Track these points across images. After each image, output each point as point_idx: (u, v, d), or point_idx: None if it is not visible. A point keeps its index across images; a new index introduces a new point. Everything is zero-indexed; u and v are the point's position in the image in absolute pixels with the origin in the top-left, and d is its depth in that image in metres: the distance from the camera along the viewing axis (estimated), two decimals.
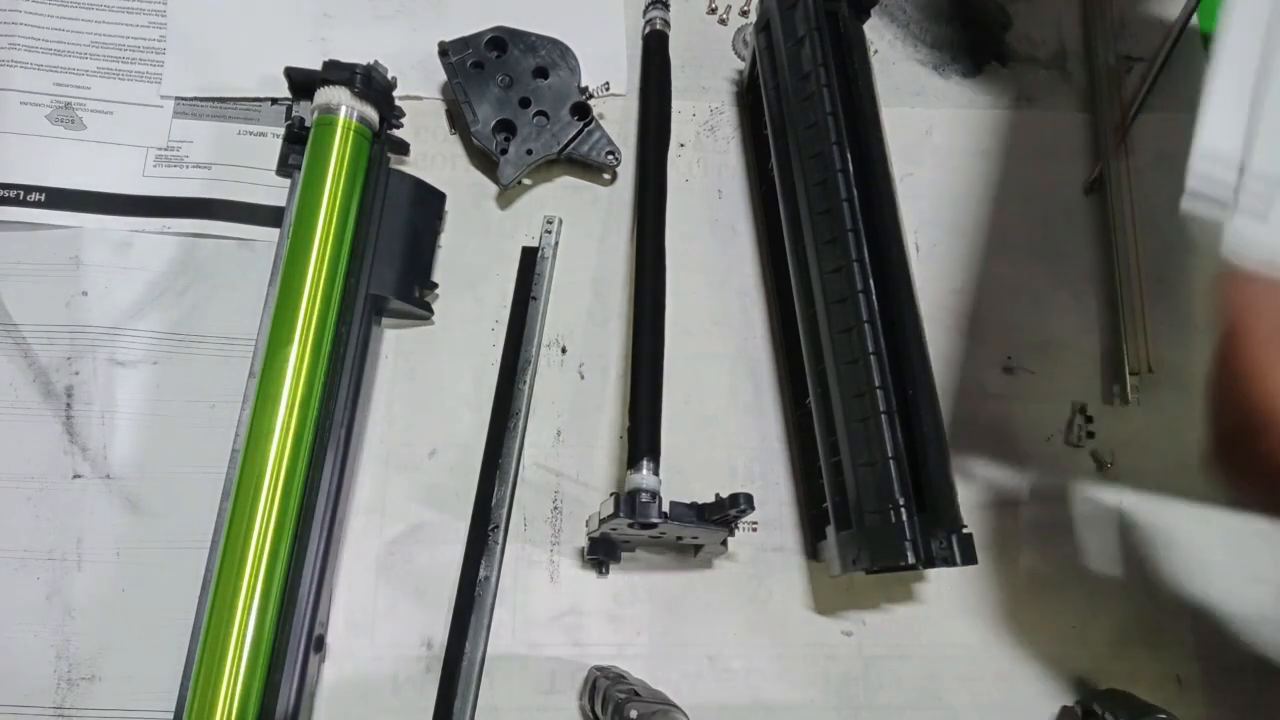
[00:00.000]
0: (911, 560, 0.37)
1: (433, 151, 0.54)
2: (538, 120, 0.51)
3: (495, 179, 0.51)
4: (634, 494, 0.39)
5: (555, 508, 0.47)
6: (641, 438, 0.41)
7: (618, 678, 0.41)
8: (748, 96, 0.56)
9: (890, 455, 0.39)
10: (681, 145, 0.55)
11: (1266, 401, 0.28)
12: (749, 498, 0.38)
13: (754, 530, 0.47)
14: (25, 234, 0.49)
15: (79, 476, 0.45)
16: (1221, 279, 0.31)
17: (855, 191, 0.43)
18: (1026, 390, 0.51)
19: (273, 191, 0.51)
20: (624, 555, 0.45)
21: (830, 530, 0.43)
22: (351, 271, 0.45)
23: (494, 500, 0.46)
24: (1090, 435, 0.50)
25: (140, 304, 0.48)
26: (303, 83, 0.47)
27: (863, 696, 0.45)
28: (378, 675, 0.43)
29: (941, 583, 0.47)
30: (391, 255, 0.47)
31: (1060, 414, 0.51)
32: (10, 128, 0.51)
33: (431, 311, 0.49)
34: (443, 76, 0.52)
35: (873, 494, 0.39)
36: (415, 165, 0.53)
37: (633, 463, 0.40)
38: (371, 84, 0.46)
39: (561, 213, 0.52)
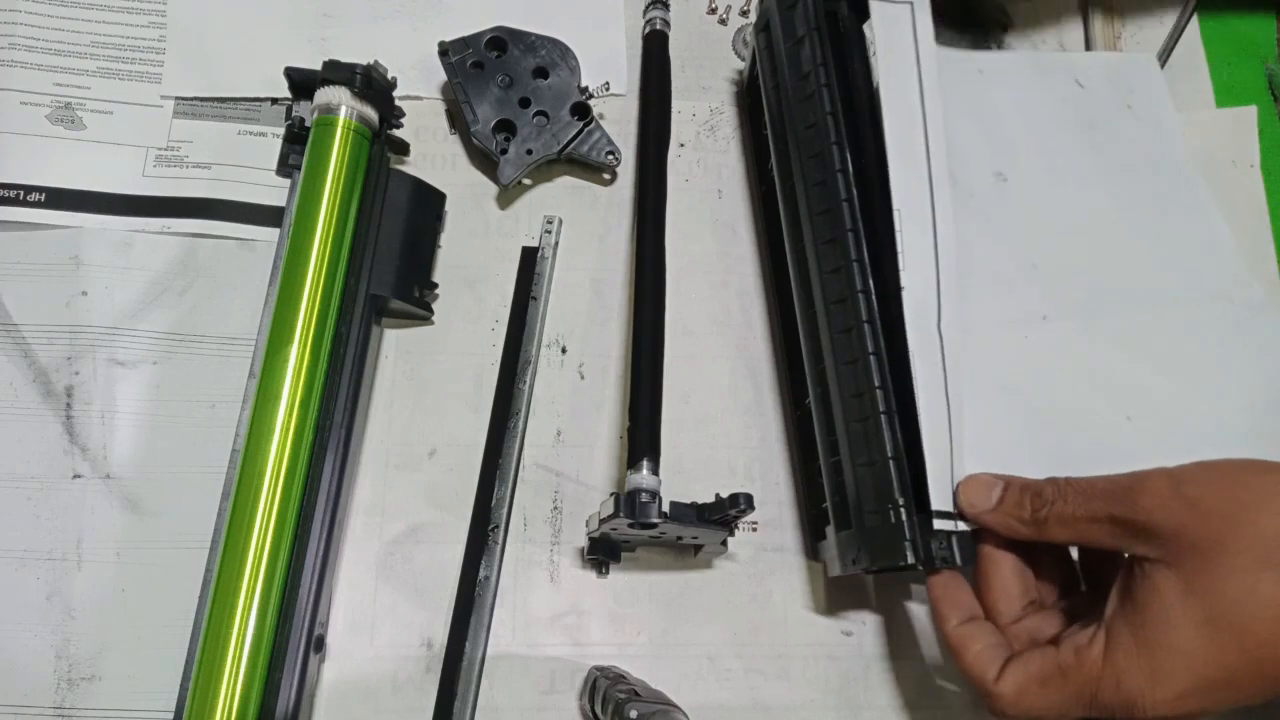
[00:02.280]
0: (911, 560, 0.37)
1: (433, 151, 0.54)
2: (538, 120, 0.51)
3: (495, 179, 0.51)
4: (634, 494, 0.39)
5: (555, 508, 0.47)
6: (641, 438, 0.41)
7: (618, 678, 0.41)
8: (748, 96, 0.56)
9: (890, 455, 0.39)
10: (681, 145, 0.55)
11: (972, 673, 0.36)
12: (749, 498, 0.38)
13: (754, 530, 0.47)
14: (25, 234, 0.49)
15: (79, 476, 0.45)
16: (928, 577, 0.39)
17: (855, 192, 0.43)
18: None
19: (273, 191, 0.51)
20: (624, 555, 0.46)
21: (830, 530, 0.43)
22: (351, 271, 0.45)
23: (494, 500, 0.46)
24: None
25: (140, 304, 0.48)
26: (303, 83, 0.47)
27: (863, 696, 0.45)
28: (378, 675, 0.43)
29: None
30: (391, 255, 0.47)
31: None
32: (10, 128, 0.51)
33: (431, 311, 0.49)
34: (443, 76, 0.52)
35: (872, 494, 0.39)
36: (415, 165, 0.53)
37: (633, 463, 0.40)
38: (371, 84, 0.46)
39: (561, 213, 0.52)
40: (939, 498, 0.38)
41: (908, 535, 0.37)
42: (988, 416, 0.41)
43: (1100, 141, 0.51)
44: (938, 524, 0.38)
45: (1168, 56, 0.57)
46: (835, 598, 0.46)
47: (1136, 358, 0.45)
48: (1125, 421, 0.43)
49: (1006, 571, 0.38)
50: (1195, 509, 0.32)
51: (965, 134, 0.49)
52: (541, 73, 0.52)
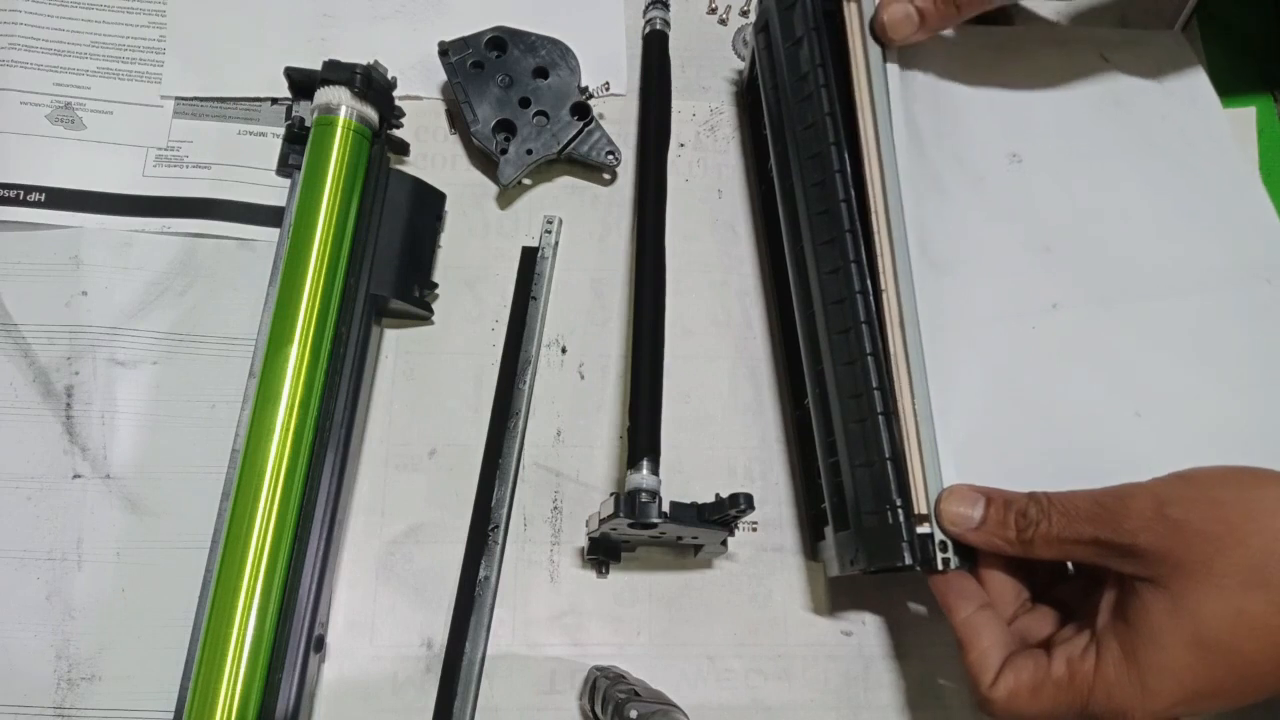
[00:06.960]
0: (908, 561, 0.37)
1: (433, 151, 0.54)
2: (538, 120, 0.51)
3: (495, 179, 0.51)
4: (634, 494, 0.39)
5: (555, 508, 0.47)
6: (641, 438, 0.41)
7: (618, 678, 0.41)
8: (747, 96, 0.56)
9: (887, 456, 0.39)
10: (681, 145, 0.55)
11: (971, 671, 0.36)
12: (749, 498, 0.38)
13: (754, 530, 0.47)
14: (25, 234, 0.49)
15: (79, 476, 0.45)
16: (930, 577, 0.39)
17: (853, 192, 0.43)
18: None
19: (273, 191, 0.51)
20: (624, 555, 0.46)
21: (829, 531, 0.43)
22: (351, 271, 0.45)
23: (494, 500, 0.46)
24: None
25: (140, 304, 0.48)
26: (303, 83, 0.47)
27: (863, 696, 0.45)
28: (378, 675, 0.43)
29: None
30: (391, 255, 0.47)
31: None
32: (10, 128, 0.51)
33: (431, 311, 0.50)
34: (443, 76, 0.52)
35: (870, 495, 0.39)
36: (415, 165, 0.53)
37: (633, 463, 0.40)
38: (371, 84, 0.46)
39: (561, 213, 0.52)
40: (921, 503, 0.38)
41: (905, 536, 0.37)
42: (983, 417, 0.40)
43: (1126, 117, 0.49)
44: (920, 529, 0.38)
45: (1185, 25, 0.56)
46: (835, 598, 0.46)
47: (1153, 347, 0.43)
48: (1133, 417, 0.41)
49: (997, 579, 0.39)
50: (1180, 531, 0.32)
51: (978, 115, 0.47)
52: (541, 73, 0.52)
